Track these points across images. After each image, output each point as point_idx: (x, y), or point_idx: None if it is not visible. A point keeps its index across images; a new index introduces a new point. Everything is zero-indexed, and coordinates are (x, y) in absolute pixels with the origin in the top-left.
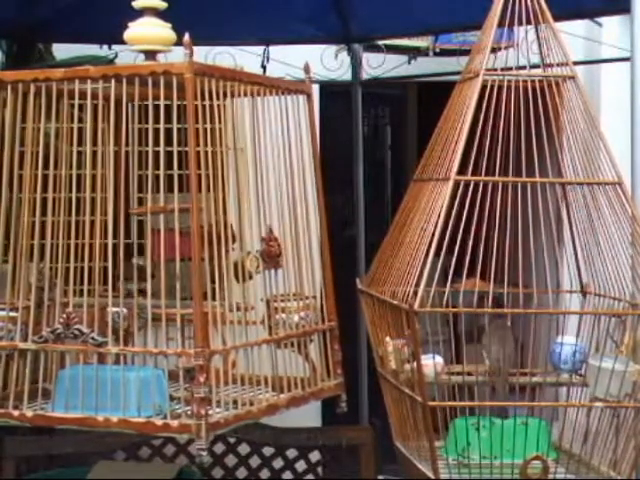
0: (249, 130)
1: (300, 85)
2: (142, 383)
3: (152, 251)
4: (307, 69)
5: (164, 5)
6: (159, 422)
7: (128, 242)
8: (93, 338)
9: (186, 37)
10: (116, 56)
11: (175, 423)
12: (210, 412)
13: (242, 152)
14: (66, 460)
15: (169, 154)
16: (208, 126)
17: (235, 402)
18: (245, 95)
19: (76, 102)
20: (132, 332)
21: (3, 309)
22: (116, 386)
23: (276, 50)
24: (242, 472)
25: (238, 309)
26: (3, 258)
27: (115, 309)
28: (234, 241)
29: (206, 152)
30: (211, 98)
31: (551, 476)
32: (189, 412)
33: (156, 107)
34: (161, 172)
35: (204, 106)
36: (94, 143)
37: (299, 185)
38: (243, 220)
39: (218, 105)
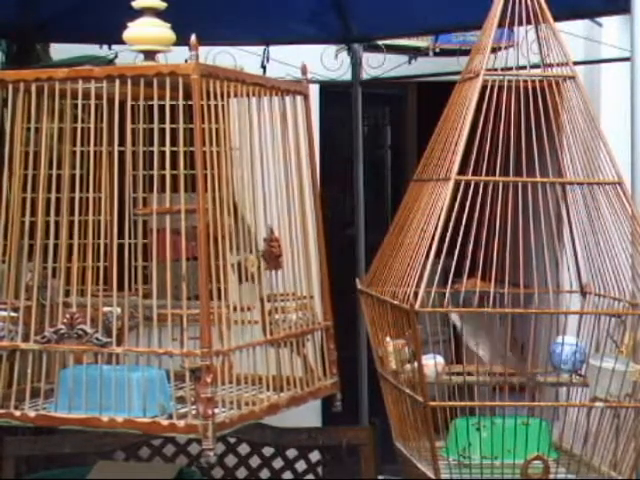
0: (248, 131)
1: (298, 86)
2: (146, 383)
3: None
4: (304, 70)
5: (164, 5)
6: (165, 422)
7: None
8: (97, 338)
9: (193, 38)
10: (116, 56)
11: (181, 423)
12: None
13: (242, 152)
14: (66, 460)
15: (165, 154)
16: (213, 126)
17: (238, 402)
18: (247, 96)
19: (79, 102)
20: (127, 332)
21: (4, 309)
22: (120, 386)
23: (276, 50)
24: (242, 472)
25: (241, 309)
26: (2, 258)
27: (109, 308)
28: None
29: (209, 152)
30: (215, 98)
31: (552, 476)
32: (194, 412)
33: (151, 107)
34: (167, 172)
35: (209, 106)
36: (96, 143)
37: (297, 185)
38: (249, 220)
39: (222, 105)
